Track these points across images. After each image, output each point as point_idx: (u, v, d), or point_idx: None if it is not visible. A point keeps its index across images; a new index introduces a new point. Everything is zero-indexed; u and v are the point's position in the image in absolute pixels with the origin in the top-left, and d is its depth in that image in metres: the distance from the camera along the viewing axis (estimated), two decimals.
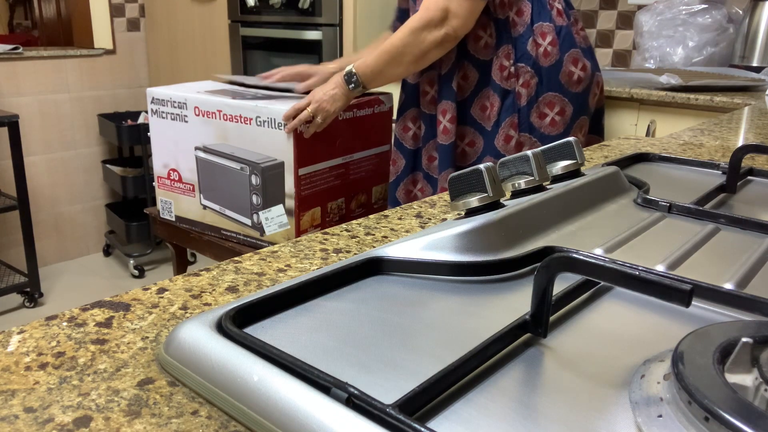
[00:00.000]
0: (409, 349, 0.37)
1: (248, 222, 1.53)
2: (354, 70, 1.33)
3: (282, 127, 1.38)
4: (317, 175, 1.47)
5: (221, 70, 2.84)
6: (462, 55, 1.37)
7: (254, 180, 1.47)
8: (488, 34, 1.34)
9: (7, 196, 2.80)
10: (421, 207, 0.69)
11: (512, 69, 1.33)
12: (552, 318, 0.40)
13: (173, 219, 1.68)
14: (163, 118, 1.57)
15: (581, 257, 0.35)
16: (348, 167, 1.54)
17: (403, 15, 1.52)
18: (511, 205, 0.53)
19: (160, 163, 1.65)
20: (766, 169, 0.79)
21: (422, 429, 0.27)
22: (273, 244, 1.47)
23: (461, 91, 1.39)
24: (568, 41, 1.33)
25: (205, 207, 1.60)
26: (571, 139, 0.63)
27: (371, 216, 0.65)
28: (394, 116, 1.63)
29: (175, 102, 1.53)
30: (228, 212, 1.56)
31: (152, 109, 1.59)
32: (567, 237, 0.55)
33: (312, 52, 2.39)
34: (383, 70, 1.31)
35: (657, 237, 0.56)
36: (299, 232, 1.47)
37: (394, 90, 1.63)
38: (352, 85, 1.33)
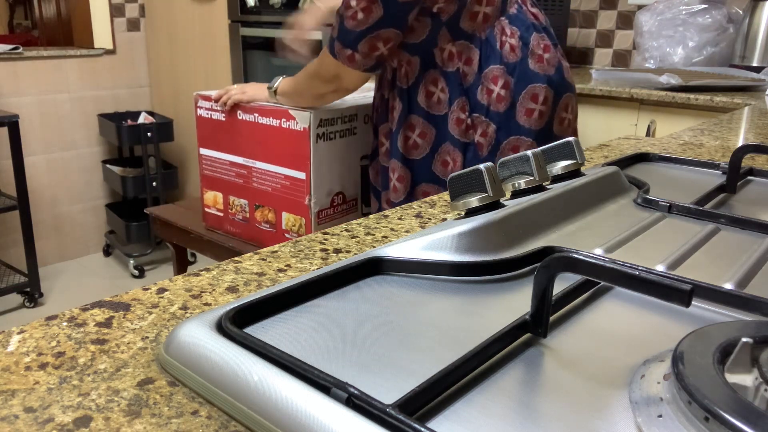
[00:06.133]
0: (409, 349, 0.37)
1: None
2: (276, 87, 1.40)
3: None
4: (218, 162, 1.57)
5: (221, 70, 2.84)
6: (412, 110, 1.27)
7: None
8: (440, 89, 1.24)
9: (7, 196, 2.80)
10: (421, 207, 0.69)
11: (469, 121, 1.23)
12: (552, 318, 0.40)
13: None
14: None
15: (581, 257, 0.35)
16: (250, 172, 1.51)
17: None
18: (511, 205, 0.53)
19: None
20: (766, 169, 0.79)
21: (422, 429, 0.27)
22: None
23: (416, 148, 1.28)
24: (524, 78, 1.22)
25: None
26: (571, 139, 0.63)
27: (371, 216, 0.65)
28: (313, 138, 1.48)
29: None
30: None
31: None
32: (567, 237, 0.55)
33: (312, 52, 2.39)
34: (293, 98, 1.39)
35: (657, 237, 0.56)
36: (204, 205, 1.65)
37: None
38: (274, 98, 1.43)
